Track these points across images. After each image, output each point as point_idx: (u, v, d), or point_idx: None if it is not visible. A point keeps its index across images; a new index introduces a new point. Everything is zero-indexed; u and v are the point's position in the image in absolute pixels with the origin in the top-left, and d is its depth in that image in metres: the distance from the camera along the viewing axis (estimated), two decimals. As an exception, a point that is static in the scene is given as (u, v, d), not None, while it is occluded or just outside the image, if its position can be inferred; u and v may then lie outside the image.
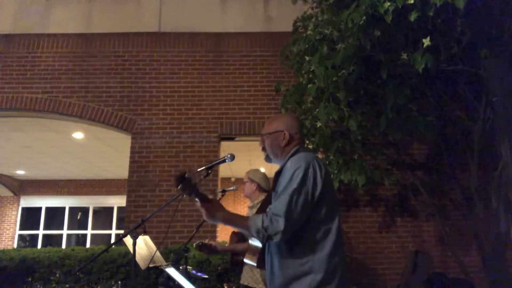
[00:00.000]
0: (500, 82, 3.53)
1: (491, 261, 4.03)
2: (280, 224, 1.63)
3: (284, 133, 1.90)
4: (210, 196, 1.79)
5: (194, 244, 2.97)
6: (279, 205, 1.67)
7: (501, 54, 3.49)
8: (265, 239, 1.67)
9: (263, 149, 1.98)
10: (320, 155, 4.82)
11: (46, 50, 6.29)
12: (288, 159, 1.84)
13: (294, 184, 1.68)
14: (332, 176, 4.49)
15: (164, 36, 6.33)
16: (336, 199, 1.85)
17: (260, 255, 1.89)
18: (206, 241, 3.01)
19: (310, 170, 1.72)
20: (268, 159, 1.98)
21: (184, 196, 1.72)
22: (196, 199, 1.74)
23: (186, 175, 1.66)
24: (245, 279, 3.07)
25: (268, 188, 3.24)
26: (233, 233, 3.29)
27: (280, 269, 1.71)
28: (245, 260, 1.99)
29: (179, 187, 1.66)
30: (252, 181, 3.17)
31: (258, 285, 2.94)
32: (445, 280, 4.83)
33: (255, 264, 1.91)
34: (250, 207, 3.20)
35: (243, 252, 3.08)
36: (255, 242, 1.93)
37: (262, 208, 1.86)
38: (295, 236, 1.69)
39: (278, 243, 1.72)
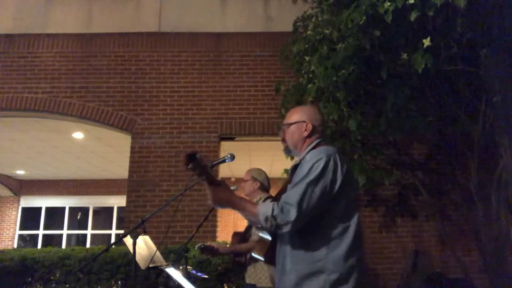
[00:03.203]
0: (500, 82, 3.52)
1: (491, 261, 4.03)
2: (292, 213, 1.55)
3: (307, 124, 1.83)
4: (220, 180, 1.71)
5: (196, 247, 2.98)
6: (292, 194, 1.60)
7: (501, 54, 3.49)
8: (274, 228, 1.59)
9: (283, 140, 1.89)
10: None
11: (46, 50, 6.30)
12: (308, 152, 1.76)
13: (312, 176, 1.61)
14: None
15: (164, 36, 6.33)
16: (357, 199, 1.79)
17: (269, 250, 1.80)
18: (208, 243, 3.01)
19: (331, 163, 1.64)
20: (287, 151, 1.90)
21: (195, 176, 1.64)
22: (205, 181, 1.66)
23: (197, 156, 1.59)
24: (249, 278, 3.06)
25: (269, 188, 3.24)
26: (235, 233, 3.29)
27: (292, 265, 1.63)
28: (253, 254, 1.91)
29: (189, 166, 1.58)
30: (255, 179, 3.17)
31: (261, 283, 2.95)
32: (445, 280, 4.83)
33: (262, 259, 1.83)
34: None
35: (245, 253, 3.10)
36: (266, 235, 1.83)
37: (275, 200, 1.76)
38: (310, 230, 1.62)
39: (292, 238, 1.65)
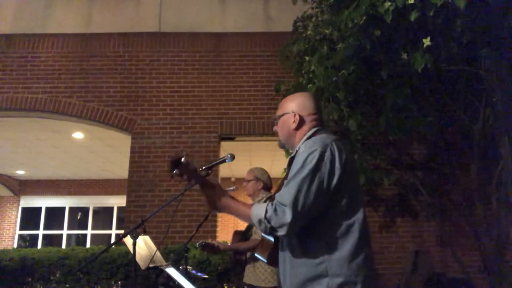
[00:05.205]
0: (500, 82, 3.52)
1: (491, 261, 4.03)
2: (287, 215, 1.41)
3: (294, 115, 1.66)
4: (213, 182, 1.60)
5: (197, 244, 2.99)
6: (286, 193, 1.45)
7: (501, 54, 3.49)
8: (268, 231, 1.47)
9: (276, 133, 1.75)
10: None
11: (46, 50, 6.29)
12: (303, 142, 1.60)
13: (306, 170, 1.45)
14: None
15: (164, 36, 6.33)
16: (361, 190, 1.63)
17: (272, 251, 1.68)
18: (209, 240, 3.02)
19: (327, 154, 1.48)
20: (281, 144, 1.76)
21: (185, 182, 1.54)
22: (197, 185, 1.56)
23: (183, 160, 1.46)
24: (248, 278, 3.07)
25: (271, 188, 3.25)
26: (235, 232, 3.30)
27: (292, 269, 1.51)
28: (256, 255, 1.86)
29: (174, 173, 1.47)
30: (258, 179, 3.17)
31: (260, 283, 2.95)
32: (445, 280, 4.83)
33: (265, 261, 1.75)
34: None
35: (245, 252, 3.11)
36: (268, 236, 1.74)
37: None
38: (310, 231, 1.47)
39: (290, 239, 1.52)
